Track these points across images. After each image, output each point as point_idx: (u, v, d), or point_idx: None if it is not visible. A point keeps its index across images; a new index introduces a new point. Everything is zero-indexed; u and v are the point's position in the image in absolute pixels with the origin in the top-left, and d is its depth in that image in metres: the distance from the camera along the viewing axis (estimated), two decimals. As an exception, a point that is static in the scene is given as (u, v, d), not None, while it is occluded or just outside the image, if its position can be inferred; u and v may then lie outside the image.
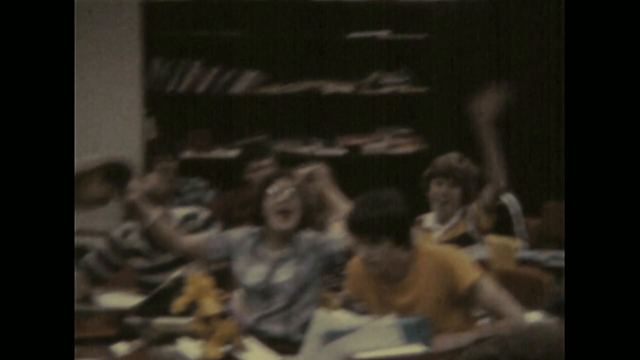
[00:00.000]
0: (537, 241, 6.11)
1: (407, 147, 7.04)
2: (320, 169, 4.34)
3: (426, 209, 5.74)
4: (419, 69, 7.06)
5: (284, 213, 4.08)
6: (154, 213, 4.26)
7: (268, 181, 4.19)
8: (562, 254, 5.63)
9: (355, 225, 3.61)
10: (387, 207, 3.56)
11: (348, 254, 3.99)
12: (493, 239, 4.84)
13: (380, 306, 3.63)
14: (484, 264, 4.58)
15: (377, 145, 7.03)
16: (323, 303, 4.14)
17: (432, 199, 4.72)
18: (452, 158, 4.72)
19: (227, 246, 4.22)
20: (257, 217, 4.17)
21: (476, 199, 4.69)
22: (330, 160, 6.01)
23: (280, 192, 4.10)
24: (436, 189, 4.67)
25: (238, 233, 4.27)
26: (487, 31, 7.20)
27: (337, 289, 4.32)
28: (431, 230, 4.73)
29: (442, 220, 4.71)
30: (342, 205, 4.15)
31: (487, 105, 4.42)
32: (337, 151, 6.94)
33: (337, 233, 4.15)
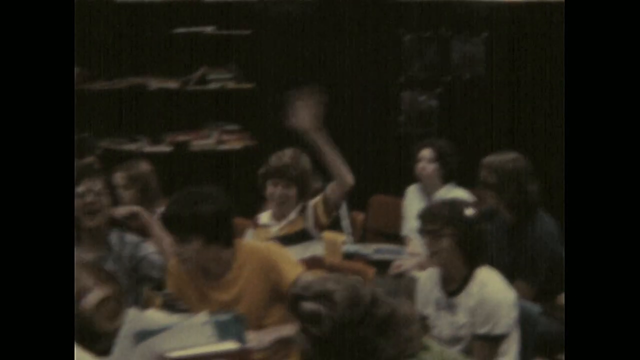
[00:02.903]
0: (362, 235, 6.19)
1: (235, 143, 7.03)
2: (139, 215, 4.28)
3: (260, 205, 5.77)
4: (245, 65, 7.05)
5: (91, 213, 4.00)
6: None
7: (77, 181, 4.09)
8: (386, 247, 5.74)
9: (167, 222, 3.60)
10: (199, 205, 3.53)
11: (163, 275, 3.96)
12: (327, 234, 4.86)
13: (202, 303, 3.62)
14: (317, 260, 4.60)
15: (205, 141, 6.98)
16: (145, 302, 4.08)
17: (268, 199, 4.68)
18: (286, 156, 4.66)
19: None
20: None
21: (317, 193, 4.70)
22: (156, 157, 5.97)
23: (87, 192, 4.01)
24: (272, 190, 4.62)
25: None
26: (313, 28, 7.26)
27: (159, 288, 4.27)
28: (268, 227, 4.71)
29: (279, 217, 4.69)
30: (166, 239, 4.08)
31: (304, 113, 4.40)
32: (164, 148, 6.86)
33: (156, 249, 4.10)
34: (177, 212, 3.55)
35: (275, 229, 4.66)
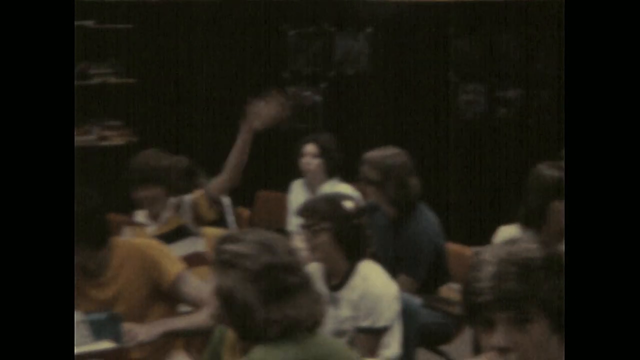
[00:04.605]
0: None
1: (117, 139, 6.93)
2: None
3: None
4: (127, 60, 6.96)
5: None
6: None
7: None
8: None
9: None
10: None
11: None
12: (207, 230, 4.83)
13: (82, 302, 3.54)
14: (200, 256, 4.57)
15: (86, 137, 6.87)
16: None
17: (138, 200, 4.61)
18: (141, 158, 4.59)
19: None
20: None
21: (197, 189, 4.67)
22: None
23: None
24: (136, 193, 4.56)
25: None
26: (197, 23, 7.21)
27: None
28: (144, 225, 4.65)
29: (154, 217, 4.64)
30: None
31: (264, 111, 4.43)
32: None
33: None
34: None
35: (153, 229, 4.61)
